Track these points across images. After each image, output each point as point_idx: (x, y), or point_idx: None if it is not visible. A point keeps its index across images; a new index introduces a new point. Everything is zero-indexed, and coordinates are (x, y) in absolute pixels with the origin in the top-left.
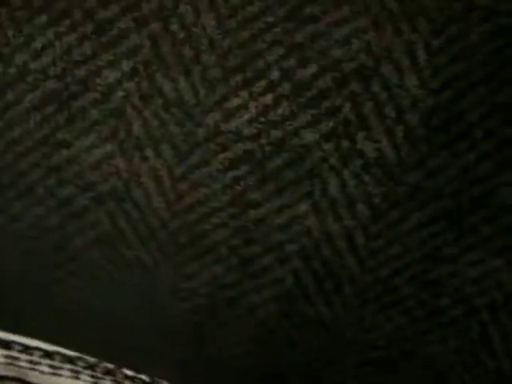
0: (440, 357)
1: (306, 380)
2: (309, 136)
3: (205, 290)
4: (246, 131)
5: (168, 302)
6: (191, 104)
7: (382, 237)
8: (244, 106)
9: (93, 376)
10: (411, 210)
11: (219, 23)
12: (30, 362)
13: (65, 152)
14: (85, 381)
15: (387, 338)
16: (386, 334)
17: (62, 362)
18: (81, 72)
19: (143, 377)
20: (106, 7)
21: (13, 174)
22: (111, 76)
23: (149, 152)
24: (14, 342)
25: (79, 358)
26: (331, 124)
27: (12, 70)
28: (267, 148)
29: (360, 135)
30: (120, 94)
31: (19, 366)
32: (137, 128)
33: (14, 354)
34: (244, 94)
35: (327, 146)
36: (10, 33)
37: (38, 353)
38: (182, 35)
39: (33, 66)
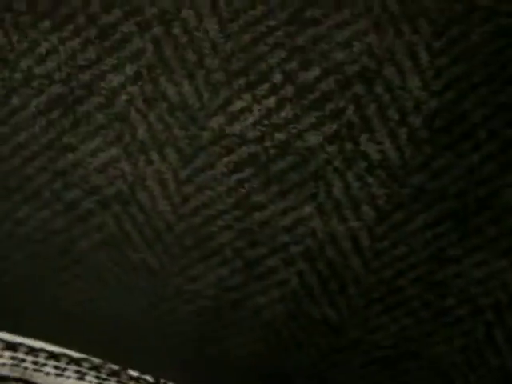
0: (445, 357)
1: (312, 381)
2: (312, 138)
3: (210, 292)
4: (250, 134)
5: (173, 303)
6: (195, 107)
7: (387, 238)
8: (248, 109)
9: (98, 377)
10: (416, 212)
11: (222, 27)
12: (35, 363)
13: (70, 156)
14: (90, 382)
15: (392, 338)
16: (391, 334)
17: (67, 363)
18: (85, 76)
19: (148, 378)
20: (109, 12)
21: (19, 178)
22: (115, 80)
23: (154, 155)
24: (19, 344)
25: (84, 360)
26: (335, 126)
27: (17, 75)
28: (271, 151)
29: (363, 137)
30: (124, 97)
31: (24, 368)
32: (141, 132)
33: (20, 355)
34: (247, 97)
35: (331, 149)
36: (15, 38)
37: (43, 354)
38: (184, 39)
39: (37, 70)
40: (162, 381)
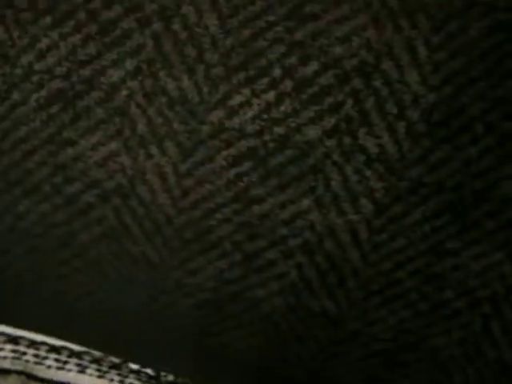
0: (443, 349)
1: (311, 373)
2: (311, 132)
3: (210, 285)
4: (250, 128)
5: (173, 296)
6: (195, 102)
7: (385, 231)
8: (247, 104)
9: (99, 370)
10: (414, 205)
11: (221, 23)
12: (37, 356)
13: (71, 150)
14: (91, 375)
15: (391, 330)
16: (390, 326)
17: (68, 356)
18: (85, 71)
19: (148, 371)
20: (110, 8)
21: (20, 172)
22: (115, 75)
23: (153, 149)
24: (20, 337)
25: (85, 353)
26: (333, 120)
27: (18, 71)
28: (270, 144)
29: (362, 131)
30: (124, 92)
31: (26, 361)
32: (141, 126)
33: (21, 348)
34: (247, 91)
35: (330, 142)
36: (16, 34)
37: (44, 347)
38: (184, 35)
39: (38, 66)
40: (162, 374)
